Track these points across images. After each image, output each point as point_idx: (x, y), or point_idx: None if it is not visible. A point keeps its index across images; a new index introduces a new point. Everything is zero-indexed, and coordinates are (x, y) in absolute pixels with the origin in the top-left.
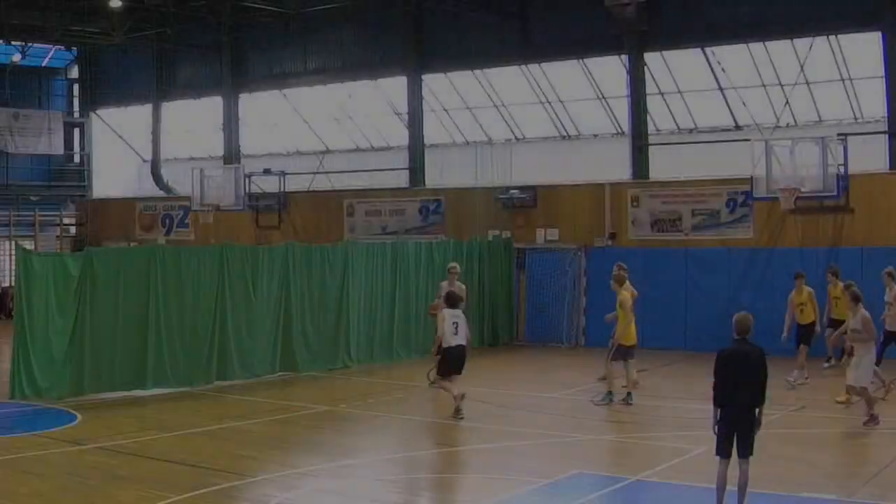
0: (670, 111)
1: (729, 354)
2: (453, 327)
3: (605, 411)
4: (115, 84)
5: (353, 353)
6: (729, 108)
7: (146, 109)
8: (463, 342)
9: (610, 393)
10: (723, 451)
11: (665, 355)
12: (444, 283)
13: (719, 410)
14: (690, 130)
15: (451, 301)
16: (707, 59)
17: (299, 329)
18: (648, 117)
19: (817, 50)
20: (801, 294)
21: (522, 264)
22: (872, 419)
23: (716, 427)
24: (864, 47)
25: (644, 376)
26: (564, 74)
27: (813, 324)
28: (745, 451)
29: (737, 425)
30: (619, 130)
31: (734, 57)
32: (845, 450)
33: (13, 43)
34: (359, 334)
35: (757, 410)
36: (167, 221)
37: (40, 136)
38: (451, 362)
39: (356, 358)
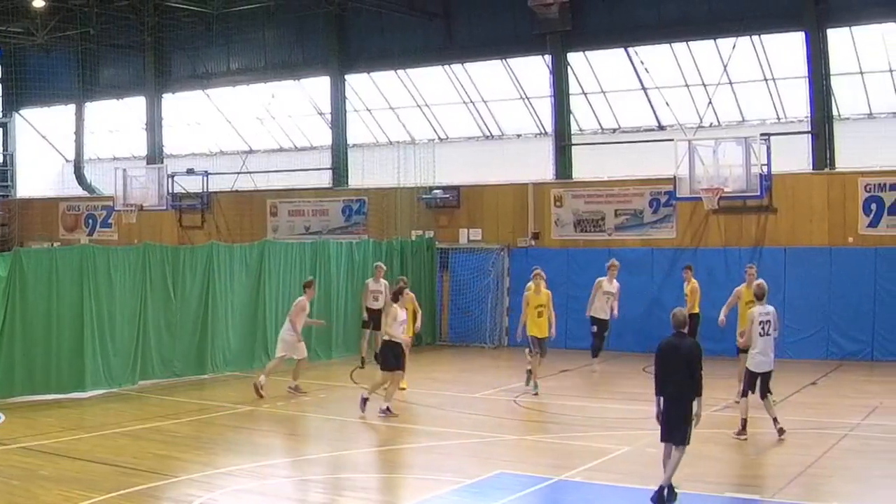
0: (593, 111)
1: (661, 347)
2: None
3: (525, 412)
4: (38, 84)
5: (271, 353)
6: (652, 108)
7: (69, 109)
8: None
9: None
10: (664, 437)
11: (589, 355)
12: (370, 281)
13: (661, 399)
14: (614, 130)
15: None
16: (630, 59)
17: (220, 329)
18: (571, 117)
19: (740, 50)
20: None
21: (446, 264)
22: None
23: (658, 415)
24: (787, 47)
25: (567, 376)
26: (487, 74)
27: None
28: (677, 439)
29: (670, 414)
30: (543, 130)
31: (657, 57)
32: (769, 449)
33: None
34: (276, 334)
35: (695, 403)
36: (90, 221)
37: None
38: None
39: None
